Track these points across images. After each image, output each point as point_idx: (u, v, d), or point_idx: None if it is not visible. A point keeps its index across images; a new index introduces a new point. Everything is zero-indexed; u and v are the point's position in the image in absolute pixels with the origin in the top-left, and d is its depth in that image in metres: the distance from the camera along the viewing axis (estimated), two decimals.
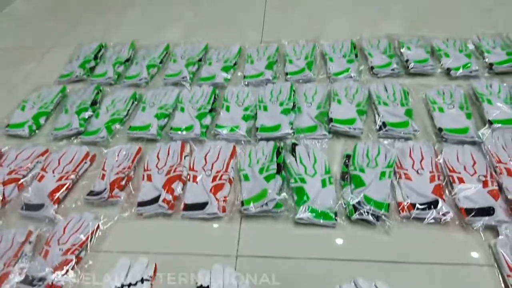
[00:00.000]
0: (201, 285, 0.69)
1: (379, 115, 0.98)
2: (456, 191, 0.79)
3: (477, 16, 1.35)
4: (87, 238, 0.79)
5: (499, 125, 0.91)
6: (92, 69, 1.28)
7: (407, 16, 1.40)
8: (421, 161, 0.86)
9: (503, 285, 0.67)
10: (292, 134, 0.96)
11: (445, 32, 1.25)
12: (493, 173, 0.82)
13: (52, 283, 0.71)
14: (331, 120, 0.96)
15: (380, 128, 0.95)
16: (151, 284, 0.71)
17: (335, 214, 0.79)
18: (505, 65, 1.08)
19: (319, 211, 0.78)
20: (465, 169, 0.84)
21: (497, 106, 0.96)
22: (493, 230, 0.74)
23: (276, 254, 0.76)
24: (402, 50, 1.16)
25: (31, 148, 1.00)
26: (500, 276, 0.68)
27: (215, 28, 1.45)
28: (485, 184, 0.80)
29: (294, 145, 0.93)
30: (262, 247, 0.77)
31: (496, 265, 0.70)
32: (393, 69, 1.12)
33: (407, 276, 0.70)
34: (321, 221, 0.77)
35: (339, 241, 0.77)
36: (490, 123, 0.92)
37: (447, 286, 0.68)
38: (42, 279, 0.71)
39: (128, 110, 1.09)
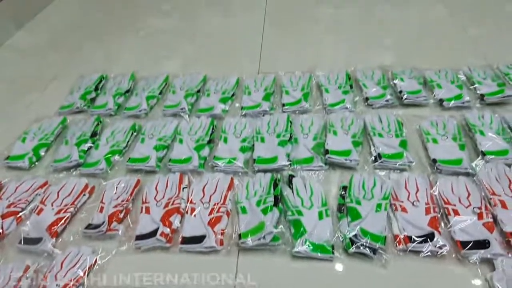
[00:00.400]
0: None
1: (374, 146, 1.00)
2: (451, 224, 0.80)
3: (467, 47, 1.40)
4: (84, 273, 0.79)
5: (492, 156, 0.93)
6: (92, 100, 1.30)
7: (400, 48, 1.44)
8: (416, 193, 0.87)
9: None
10: (289, 165, 0.98)
11: (437, 63, 1.28)
12: (488, 205, 0.83)
13: None
14: (327, 151, 0.98)
15: (376, 160, 0.97)
16: None
17: (332, 247, 0.79)
18: (496, 96, 1.11)
19: (316, 244, 0.79)
20: (459, 201, 0.85)
21: (489, 137, 0.98)
22: (489, 263, 0.75)
23: (274, 287, 0.76)
24: (395, 82, 1.19)
25: (30, 180, 1.01)
26: None
27: (213, 60, 1.49)
28: (480, 216, 0.81)
29: (291, 176, 0.94)
30: (259, 280, 0.77)
31: None
32: (387, 100, 1.15)
33: None
34: (319, 254, 0.78)
35: (337, 274, 0.77)
36: (483, 154, 0.94)
37: None
38: None
39: (128, 141, 1.11)
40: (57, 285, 0.76)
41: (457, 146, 0.97)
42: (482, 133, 0.99)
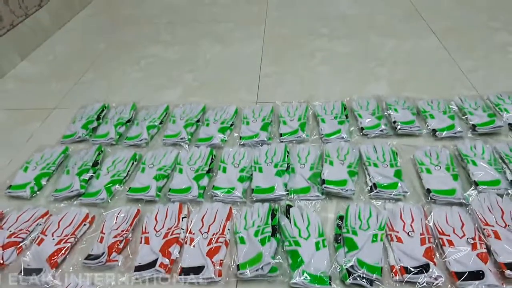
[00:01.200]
0: None
1: (369, 176, 1.02)
2: (446, 254, 0.82)
3: (458, 78, 1.44)
4: None
5: (485, 186, 0.95)
6: (94, 129, 1.33)
7: (393, 78, 1.48)
8: (411, 223, 0.89)
9: None
10: (287, 195, 1.00)
11: (429, 92, 1.33)
12: (481, 236, 0.85)
13: None
14: (323, 181, 1.00)
15: (371, 189, 0.99)
16: None
17: (330, 278, 0.80)
18: (487, 126, 1.14)
19: (314, 275, 0.80)
20: (454, 231, 0.86)
21: (481, 167, 1.00)
22: None
23: None
24: (389, 112, 1.23)
25: (31, 210, 1.02)
26: None
27: (212, 89, 1.52)
28: (474, 247, 0.82)
29: (288, 206, 0.96)
30: None
31: None
32: (382, 130, 1.18)
33: None
34: (316, 285, 0.79)
35: None
36: (476, 184, 0.96)
37: None
38: None
39: (128, 171, 1.13)
40: None
41: (450, 176, 1.00)
42: (474, 163, 1.02)
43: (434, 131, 1.16)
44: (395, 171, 1.02)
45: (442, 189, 0.96)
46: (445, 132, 1.14)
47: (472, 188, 0.96)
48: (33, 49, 1.97)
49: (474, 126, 1.16)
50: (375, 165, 1.05)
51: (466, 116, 1.20)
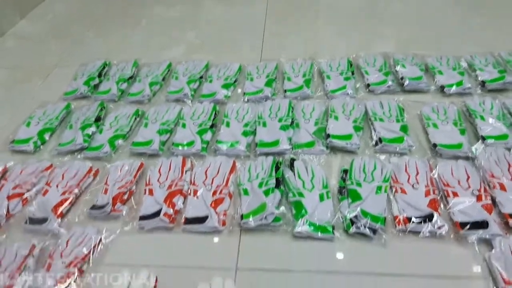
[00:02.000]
0: None
1: (375, 131, 1.01)
2: (450, 205, 0.81)
3: (469, 35, 1.40)
4: (89, 252, 0.80)
5: (492, 140, 0.94)
6: (96, 86, 1.31)
7: (401, 36, 1.44)
8: (416, 176, 0.88)
9: None
10: (291, 149, 0.99)
11: (438, 50, 1.29)
12: (487, 188, 0.84)
13: None
14: (328, 136, 0.99)
15: (376, 144, 0.98)
16: None
17: (333, 227, 0.80)
18: (497, 82, 1.11)
19: (317, 224, 0.80)
20: (459, 183, 0.86)
21: (489, 123, 0.99)
22: (488, 243, 0.76)
23: (275, 267, 0.77)
24: (397, 68, 1.19)
25: (35, 164, 1.03)
26: None
27: (215, 47, 1.49)
28: (479, 198, 0.82)
29: (292, 160, 0.95)
30: (261, 260, 0.78)
31: (490, 278, 0.71)
32: (388, 86, 1.15)
33: None
34: (319, 234, 0.79)
35: (337, 254, 0.78)
36: (483, 139, 0.95)
37: None
38: None
39: (131, 126, 1.12)
40: (62, 262, 0.78)
41: (457, 130, 0.98)
42: (482, 118, 1.00)
43: (442, 87, 1.14)
44: (401, 126, 1.01)
45: (449, 144, 0.95)
46: (453, 88, 1.11)
47: (479, 143, 0.95)
48: (32, 7, 1.92)
49: (483, 82, 1.13)
50: (381, 120, 1.03)
51: (476, 73, 1.16)
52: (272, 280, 0.75)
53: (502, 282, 0.68)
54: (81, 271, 0.78)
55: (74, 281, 0.76)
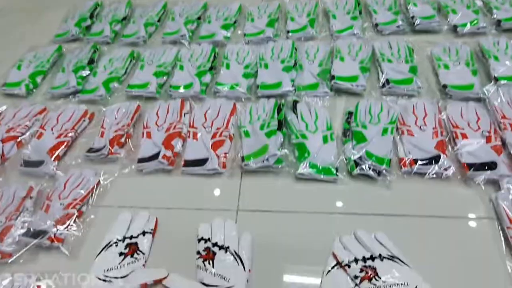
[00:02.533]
0: (202, 238, 0.70)
1: (382, 72, 0.96)
2: (459, 147, 0.78)
3: None
4: (88, 193, 0.79)
5: (505, 81, 0.89)
6: (88, 28, 1.25)
7: None
8: (424, 118, 0.85)
9: (502, 237, 0.67)
10: (293, 91, 0.95)
11: None
12: (497, 129, 0.81)
13: (54, 235, 0.71)
14: (333, 77, 0.94)
15: (383, 85, 0.93)
16: (153, 237, 0.72)
17: (336, 169, 0.78)
18: None
19: (320, 166, 0.78)
20: (468, 125, 0.82)
21: (503, 63, 0.93)
22: (495, 184, 0.74)
23: (277, 209, 0.75)
24: (408, 7, 1.12)
25: (28, 107, 0.99)
26: (499, 228, 0.68)
27: None
28: (488, 139, 0.79)
29: (295, 102, 0.91)
30: (263, 202, 0.77)
31: (496, 218, 0.70)
32: (398, 26, 1.09)
33: (407, 228, 0.70)
34: (322, 176, 0.77)
35: (340, 195, 0.76)
36: (496, 79, 0.90)
37: (447, 238, 0.68)
38: (44, 232, 0.71)
39: (126, 68, 1.07)
40: (60, 204, 0.76)
41: (469, 71, 0.93)
42: (496, 58, 0.95)
43: (455, 27, 1.07)
44: (410, 67, 0.96)
45: (460, 84, 0.90)
46: (467, 27, 1.05)
47: (491, 84, 0.90)
48: None
49: (499, 21, 1.06)
50: (389, 60, 0.98)
51: (492, 11, 1.09)
52: (274, 221, 0.73)
53: (508, 222, 0.67)
54: (80, 213, 0.77)
55: (73, 222, 0.75)
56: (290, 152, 0.83)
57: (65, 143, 0.88)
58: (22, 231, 0.73)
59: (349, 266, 0.63)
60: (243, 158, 0.81)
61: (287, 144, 0.84)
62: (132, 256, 0.69)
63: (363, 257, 0.64)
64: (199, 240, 0.70)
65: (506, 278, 0.62)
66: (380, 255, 0.64)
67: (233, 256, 0.67)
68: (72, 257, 0.71)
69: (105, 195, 0.81)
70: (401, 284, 0.60)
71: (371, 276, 0.61)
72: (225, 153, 0.84)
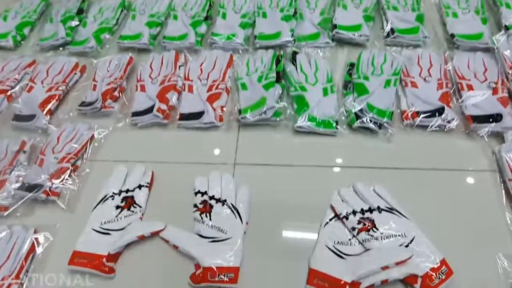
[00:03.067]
0: (199, 191, 0.69)
1: (387, 21, 0.91)
2: (463, 98, 0.76)
3: None
4: (82, 147, 0.77)
5: None
6: None
7: None
8: (429, 69, 0.81)
9: (503, 189, 0.66)
10: (293, 42, 0.90)
11: None
12: (505, 80, 0.78)
13: (49, 189, 0.71)
14: (335, 26, 0.89)
15: (388, 35, 0.89)
16: (149, 191, 0.71)
17: (336, 122, 0.76)
18: None
19: (320, 119, 0.76)
20: (475, 76, 0.79)
21: None
22: (498, 137, 0.72)
23: (275, 162, 0.74)
24: None
25: (17, 60, 0.95)
26: (501, 180, 0.67)
27: None
28: (495, 91, 0.76)
29: (294, 53, 0.87)
30: (260, 156, 0.75)
31: (498, 171, 0.68)
32: None
33: (407, 181, 0.69)
34: (321, 129, 0.75)
35: (340, 149, 0.75)
36: (507, 28, 0.85)
37: (447, 191, 0.67)
38: (38, 186, 0.70)
39: (117, 19, 1.02)
40: (54, 158, 0.75)
41: (478, 19, 0.89)
42: (508, 6, 0.90)
43: None
44: (417, 15, 0.91)
45: (468, 34, 0.86)
46: None
47: (501, 33, 0.85)
48: None
49: None
50: (395, 8, 0.92)
51: None
52: (272, 175, 0.72)
53: (510, 174, 0.65)
54: (75, 167, 0.75)
55: (69, 177, 0.74)
56: (289, 105, 0.80)
57: (57, 97, 0.85)
58: (17, 185, 0.72)
59: (347, 218, 0.63)
60: (240, 111, 0.78)
61: (286, 97, 0.81)
62: (128, 209, 0.69)
63: (361, 209, 0.63)
64: (196, 193, 0.69)
65: (505, 230, 0.62)
66: (378, 207, 0.63)
67: (230, 209, 0.66)
68: (69, 210, 0.70)
69: (99, 150, 0.79)
70: (399, 235, 0.60)
71: (369, 227, 0.61)
72: (222, 106, 0.81)
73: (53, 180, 0.71)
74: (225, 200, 0.67)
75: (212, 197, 0.68)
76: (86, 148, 0.78)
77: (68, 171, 0.73)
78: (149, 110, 0.80)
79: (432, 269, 0.55)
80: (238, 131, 0.79)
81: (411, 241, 0.59)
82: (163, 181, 0.73)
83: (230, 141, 0.78)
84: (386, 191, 0.65)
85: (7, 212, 0.69)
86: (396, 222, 0.61)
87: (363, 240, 0.60)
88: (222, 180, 0.70)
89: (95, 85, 0.86)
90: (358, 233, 0.61)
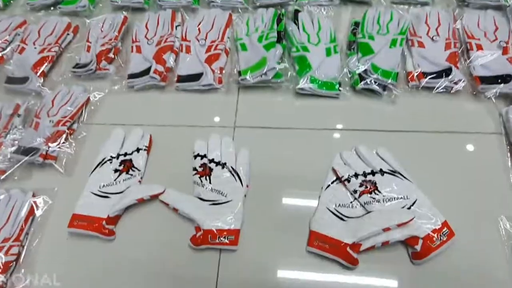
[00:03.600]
0: (198, 154, 0.68)
1: None
2: (472, 58, 0.73)
3: None
4: (77, 111, 0.75)
5: None
6: None
7: None
8: (437, 28, 0.78)
9: (508, 152, 0.65)
10: (295, 0, 0.86)
11: None
12: None
13: (46, 153, 0.69)
14: None
15: None
16: (147, 154, 0.70)
17: (339, 84, 0.73)
18: None
19: (322, 81, 0.73)
20: (485, 35, 0.76)
21: None
22: (507, 98, 0.70)
23: (276, 125, 0.72)
24: None
25: (7, 20, 0.91)
26: (507, 143, 0.66)
27: None
28: (505, 50, 0.73)
29: (296, 12, 0.83)
30: (261, 119, 0.73)
31: (504, 133, 0.67)
32: None
33: (412, 144, 0.68)
34: (324, 91, 0.73)
35: (342, 111, 0.73)
36: None
37: (451, 153, 0.66)
38: (35, 149, 0.69)
39: None
40: (50, 121, 0.73)
41: None
42: None
43: None
44: None
45: None
46: None
47: None
48: None
49: None
50: None
51: None
52: (273, 138, 0.71)
53: None
54: (71, 130, 0.74)
55: (65, 140, 0.72)
56: (290, 66, 0.77)
57: (49, 58, 0.83)
58: (13, 148, 0.70)
59: (348, 181, 0.62)
60: (240, 73, 0.75)
61: (287, 58, 0.78)
62: (127, 172, 0.67)
63: (364, 172, 0.62)
64: (195, 157, 0.68)
65: (509, 192, 0.61)
66: (380, 169, 0.62)
67: (230, 172, 0.65)
68: (67, 174, 0.69)
69: (96, 113, 0.77)
70: (401, 197, 0.59)
71: (371, 190, 0.60)
72: (221, 68, 0.78)
73: (50, 144, 0.70)
74: (225, 163, 0.66)
75: (211, 160, 0.67)
76: (82, 111, 0.76)
77: (64, 135, 0.72)
78: (146, 72, 0.78)
79: (434, 231, 0.55)
80: (238, 94, 0.77)
81: (413, 203, 0.58)
82: (162, 145, 0.72)
83: (229, 104, 0.76)
84: (390, 154, 0.64)
85: (4, 176, 0.68)
86: (399, 185, 0.60)
87: (365, 203, 0.59)
88: (222, 143, 0.69)
89: (89, 46, 0.83)
90: (360, 196, 0.60)
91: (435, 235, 0.55)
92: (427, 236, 0.55)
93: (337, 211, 0.60)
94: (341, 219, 0.59)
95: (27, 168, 0.70)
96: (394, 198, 0.59)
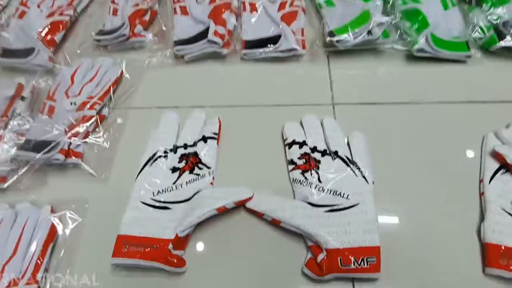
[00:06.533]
0: (294, 141, 0.47)
1: None
2: None
3: None
4: (109, 89, 0.53)
5: None
6: None
7: None
8: None
9: None
10: None
11: None
12: None
13: (68, 148, 0.47)
14: None
15: None
16: (217, 144, 0.49)
17: (467, 43, 0.55)
18: None
19: (447, 40, 0.54)
20: None
21: None
22: None
23: (385, 100, 0.53)
24: None
25: None
26: None
27: None
28: None
29: None
30: (364, 93, 0.53)
31: None
32: None
33: None
34: (451, 52, 0.54)
35: (476, 79, 0.54)
36: None
37: None
38: (51, 143, 0.46)
39: None
40: (71, 103, 0.51)
41: None
42: None
43: None
44: None
45: None
46: None
47: None
48: None
49: None
50: None
51: None
52: (382, 116, 0.51)
53: None
54: (101, 117, 0.52)
55: (94, 129, 0.50)
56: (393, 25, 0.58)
57: (62, 25, 0.61)
58: (17, 143, 0.48)
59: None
60: (331, 33, 0.55)
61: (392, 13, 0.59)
62: (191, 171, 0.46)
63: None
64: (290, 145, 0.47)
65: None
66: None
67: (346, 163, 0.45)
68: (99, 178, 0.47)
69: (133, 93, 0.55)
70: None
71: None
72: (302, 29, 0.58)
73: (72, 132, 0.48)
74: (336, 152, 0.46)
75: (314, 149, 0.46)
76: (115, 90, 0.54)
77: (92, 121, 0.50)
78: (199, 36, 0.57)
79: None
80: (328, 62, 0.57)
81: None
82: (231, 131, 0.50)
83: (319, 75, 0.56)
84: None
85: (6, 184, 0.46)
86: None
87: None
88: (324, 126, 0.48)
89: (115, 9, 0.62)
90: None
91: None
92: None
93: None
94: None
95: (41, 171, 0.47)
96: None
